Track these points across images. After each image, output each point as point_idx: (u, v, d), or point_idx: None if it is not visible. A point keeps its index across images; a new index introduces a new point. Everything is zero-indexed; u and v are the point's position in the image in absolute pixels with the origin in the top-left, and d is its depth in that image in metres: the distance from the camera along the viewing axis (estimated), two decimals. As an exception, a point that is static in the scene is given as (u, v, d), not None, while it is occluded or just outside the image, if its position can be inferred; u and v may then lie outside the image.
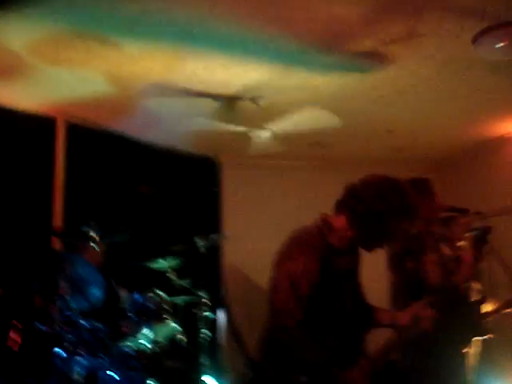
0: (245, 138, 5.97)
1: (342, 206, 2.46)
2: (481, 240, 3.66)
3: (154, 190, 5.71)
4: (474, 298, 4.83)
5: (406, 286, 3.36)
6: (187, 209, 6.04)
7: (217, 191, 7.13)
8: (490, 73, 5.04)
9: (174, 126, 6.22)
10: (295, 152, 7.09)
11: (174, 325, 4.67)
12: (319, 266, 2.34)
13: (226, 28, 3.99)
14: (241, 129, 5.75)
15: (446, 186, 7.02)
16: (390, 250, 3.52)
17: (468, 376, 4.83)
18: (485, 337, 4.82)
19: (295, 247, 2.42)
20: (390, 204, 2.34)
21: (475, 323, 4.76)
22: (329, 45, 4.32)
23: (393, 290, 3.55)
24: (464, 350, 4.81)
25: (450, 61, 4.75)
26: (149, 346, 4.37)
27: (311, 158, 7.42)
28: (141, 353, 4.30)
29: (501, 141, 6.86)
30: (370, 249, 2.48)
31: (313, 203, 6.40)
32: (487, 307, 4.81)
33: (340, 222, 2.44)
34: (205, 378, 4.59)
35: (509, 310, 4.91)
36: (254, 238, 6.58)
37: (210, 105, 5.46)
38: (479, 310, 4.90)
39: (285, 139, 6.07)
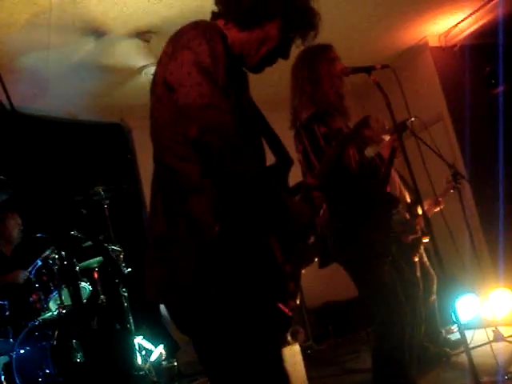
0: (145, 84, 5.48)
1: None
2: (400, 129, 3.33)
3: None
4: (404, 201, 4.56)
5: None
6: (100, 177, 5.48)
7: (131, 157, 6.63)
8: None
9: (65, 91, 5.68)
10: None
11: (84, 285, 4.16)
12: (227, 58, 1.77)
13: None
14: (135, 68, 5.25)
15: (365, 99, 6.80)
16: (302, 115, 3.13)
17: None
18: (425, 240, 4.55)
19: (192, 33, 1.80)
20: None
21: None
22: None
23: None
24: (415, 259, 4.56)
25: None
26: (55, 313, 3.86)
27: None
28: (51, 321, 3.80)
29: (416, 49, 6.64)
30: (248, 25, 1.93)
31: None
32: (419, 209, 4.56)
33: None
34: (136, 339, 4.11)
35: (436, 209, 4.66)
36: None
37: (89, 48, 4.93)
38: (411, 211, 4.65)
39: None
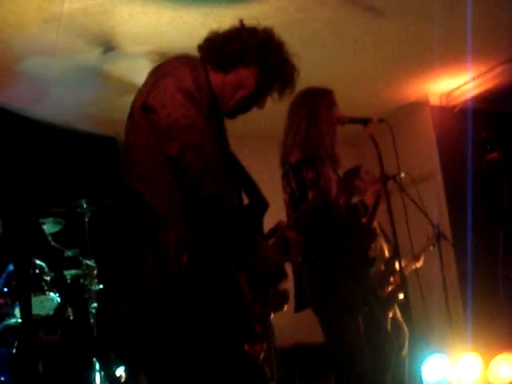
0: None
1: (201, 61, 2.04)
2: (386, 179, 3.36)
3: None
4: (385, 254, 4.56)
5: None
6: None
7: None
8: (395, 20, 4.79)
9: (65, 98, 5.67)
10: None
11: (53, 296, 4.07)
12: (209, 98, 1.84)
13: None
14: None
15: (361, 148, 6.80)
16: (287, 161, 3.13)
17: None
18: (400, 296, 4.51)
19: (174, 63, 1.89)
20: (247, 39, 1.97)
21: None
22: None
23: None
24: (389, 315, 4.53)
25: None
26: (20, 320, 3.78)
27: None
28: (15, 328, 3.73)
29: (416, 105, 6.68)
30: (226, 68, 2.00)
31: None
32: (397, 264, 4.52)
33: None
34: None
35: (415, 267, 4.65)
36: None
37: (94, 60, 4.93)
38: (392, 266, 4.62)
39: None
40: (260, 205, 2.06)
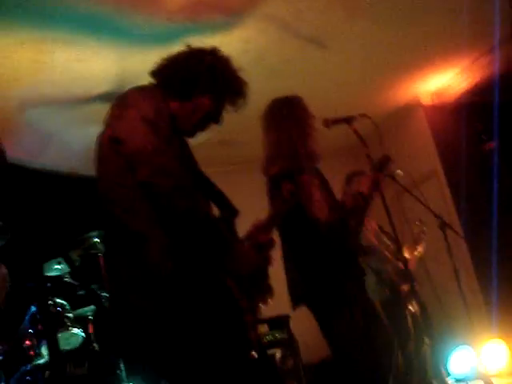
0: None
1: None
2: (379, 169, 3.37)
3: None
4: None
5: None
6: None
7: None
8: (381, 24, 4.88)
9: (68, 146, 5.83)
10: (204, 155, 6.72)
11: (77, 331, 4.19)
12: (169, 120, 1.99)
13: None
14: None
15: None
16: (268, 173, 3.16)
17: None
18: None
19: (136, 95, 2.02)
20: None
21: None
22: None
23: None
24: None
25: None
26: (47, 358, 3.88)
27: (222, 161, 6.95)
28: (43, 366, 3.83)
29: (409, 108, 6.78)
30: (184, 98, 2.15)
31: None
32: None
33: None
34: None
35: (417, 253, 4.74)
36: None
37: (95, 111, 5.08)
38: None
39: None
40: (230, 213, 2.19)
